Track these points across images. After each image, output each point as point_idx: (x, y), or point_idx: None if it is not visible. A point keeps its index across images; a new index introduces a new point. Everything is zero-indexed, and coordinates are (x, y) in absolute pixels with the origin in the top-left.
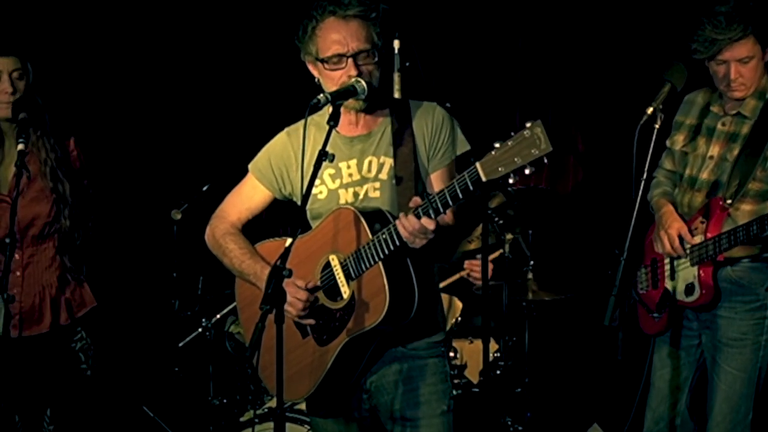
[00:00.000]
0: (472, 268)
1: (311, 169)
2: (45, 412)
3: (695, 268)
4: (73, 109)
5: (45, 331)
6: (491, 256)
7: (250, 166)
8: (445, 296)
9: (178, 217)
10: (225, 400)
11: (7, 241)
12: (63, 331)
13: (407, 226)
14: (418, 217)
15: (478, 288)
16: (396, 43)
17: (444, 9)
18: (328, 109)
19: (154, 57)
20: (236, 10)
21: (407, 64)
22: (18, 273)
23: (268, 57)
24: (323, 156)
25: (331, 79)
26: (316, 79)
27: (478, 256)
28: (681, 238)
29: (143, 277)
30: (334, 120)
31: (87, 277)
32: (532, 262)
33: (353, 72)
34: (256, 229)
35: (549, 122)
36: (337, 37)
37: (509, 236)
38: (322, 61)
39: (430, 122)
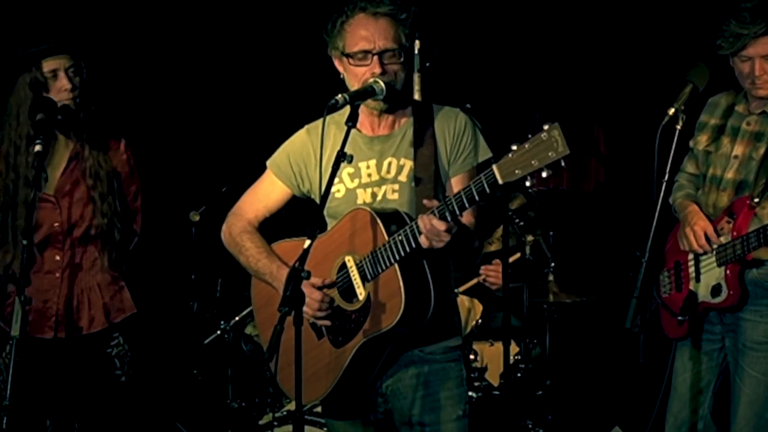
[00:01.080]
0: (488, 273)
1: (330, 168)
2: (77, 416)
3: (722, 269)
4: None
5: (80, 334)
6: (510, 260)
7: (268, 162)
8: (465, 298)
9: (197, 218)
10: (244, 403)
11: (24, 243)
12: (98, 336)
13: (423, 227)
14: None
15: (498, 290)
16: (416, 44)
17: (464, 9)
18: (349, 109)
19: (171, 58)
20: (254, 11)
21: (427, 64)
22: (57, 274)
23: (286, 57)
24: (342, 157)
25: (355, 75)
26: (341, 75)
27: (494, 261)
28: (707, 237)
29: (161, 279)
30: (352, 120)
31: (126, 281)
32: (553, 264)
33: (377, 70)
34: (274, 228)
35: (570, 123)
36: (365, 34)
37: (530, 238)
38: (348, 56)
39: (452, 127)
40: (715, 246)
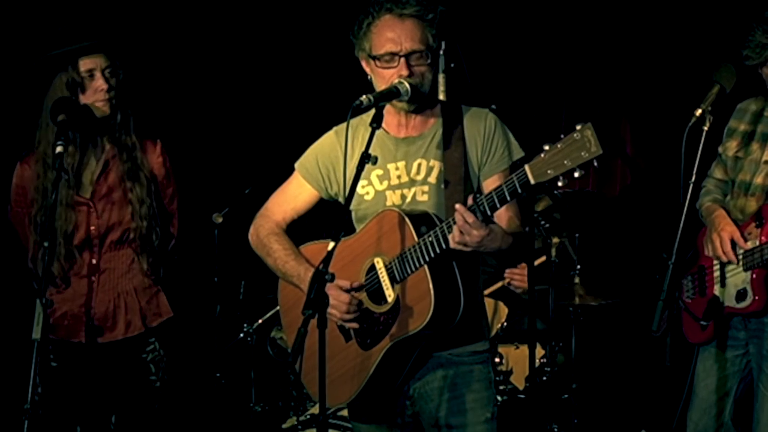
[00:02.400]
0: (513, 276)
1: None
2: (109, 421)
3: (748, 273)
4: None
5: (116, 339)
6: (535, 263)
7: (296, 164)
8: (490, 301)
9: (220, 220)
10: (267, 407)
11: (45, 245)
12: (135, 341)
13: (459, 220)
14: None
15: (523, 293)
16: (441, 45)
17: (488, 9)
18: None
19: (194, 57)
20: (278, 10)
21: (452, 65)
22: (93, 278)
23: (312, 57)
24: (366, 158)
25: (382, 78)
26: (369, 77)
27: (519, 264)
28: (733, 243)
29: (184, 281)
30: (376, 122)
31: (163, 285)
32: (578, 267)
33: (404, 72)
34: (301, 230)
35: (596, 125)
36: (391, 36)
37: (556, 240)
38: (375, 58)
39: (482, 128)
40: (741, 252)
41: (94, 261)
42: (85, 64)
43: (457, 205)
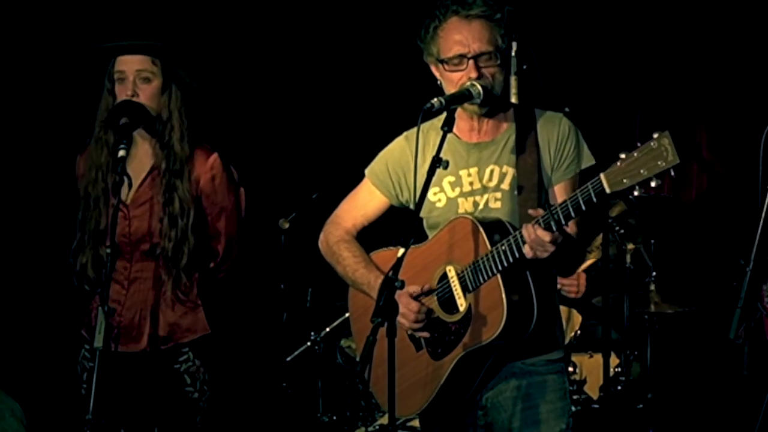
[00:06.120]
0: (563, 283)
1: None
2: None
3: None
4: None
5: (140, 350)
6: (582, 267)
7: (366, 171)
8: (564, 309)
9: (286, 226)
10: (335, 417)
11: (108, 251)
12: (163, 353)
13: (528, 236)
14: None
15: (597, 300)
16: (513, 46)
17: (561, 9)
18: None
19: (260, 61)
20: (348, 15)
21: (524, 67)
22: (123, 285)
23: (380, 59)
24: (437, 163)
25: (451, 81)
26: (438, 81)
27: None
28: None
29: (250, 288)
30: (448, 125)
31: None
32: (654, 273)
33: (474, 74)
34: (372, 236)
35: (672, 130)
36: (459, 38)
37: (631, 246)
38: (443, 62)
39: (555, 133)
40: None
41: (125, 269)
42: (118, 65)
43: (525, 226)
